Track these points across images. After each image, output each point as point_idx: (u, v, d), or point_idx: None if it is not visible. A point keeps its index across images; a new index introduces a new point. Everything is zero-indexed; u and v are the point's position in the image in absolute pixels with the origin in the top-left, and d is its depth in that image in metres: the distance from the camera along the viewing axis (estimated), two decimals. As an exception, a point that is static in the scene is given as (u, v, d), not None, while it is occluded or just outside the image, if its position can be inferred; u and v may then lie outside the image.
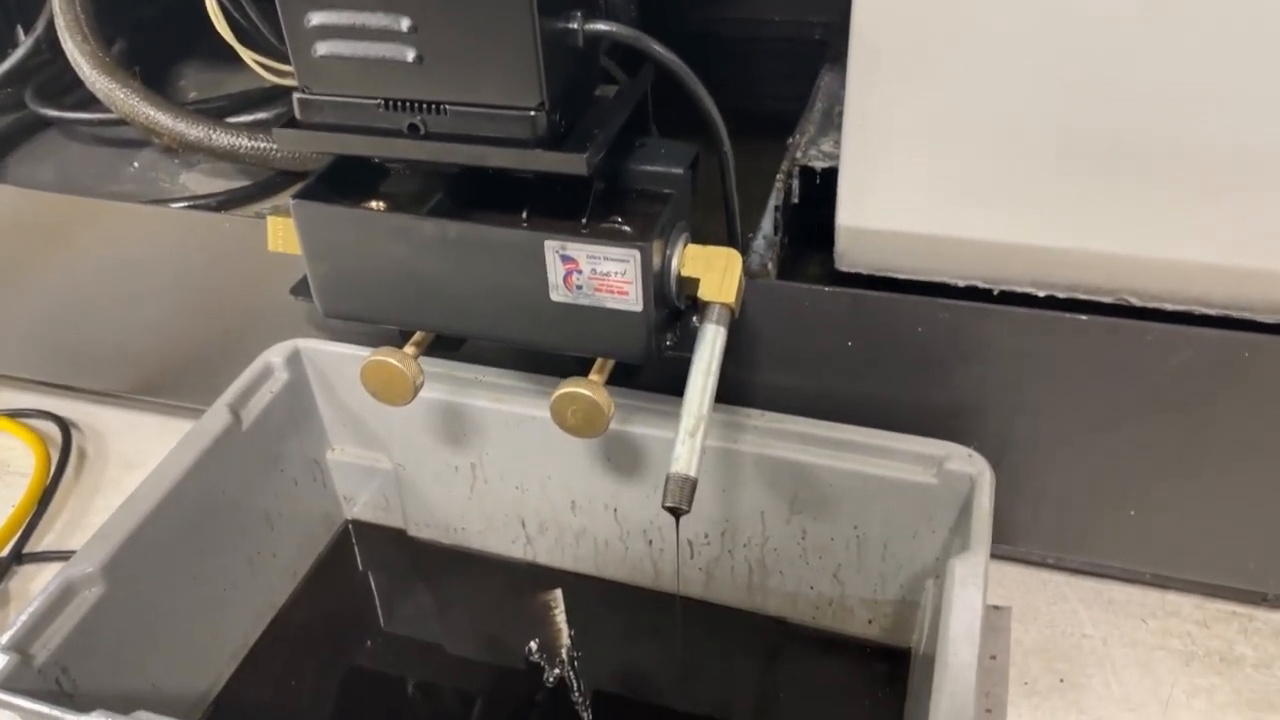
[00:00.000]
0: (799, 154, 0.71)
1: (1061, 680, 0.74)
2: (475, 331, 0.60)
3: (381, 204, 0.59)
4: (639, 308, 0.54)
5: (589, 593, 0.81)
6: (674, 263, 0.56)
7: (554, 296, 0.56)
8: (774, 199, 0.71)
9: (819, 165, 0.70)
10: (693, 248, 0.57)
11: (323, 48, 0.52)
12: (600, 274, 0.54)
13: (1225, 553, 0.73)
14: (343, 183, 0.59)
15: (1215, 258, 0.59)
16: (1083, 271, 0.62)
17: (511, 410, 0.74)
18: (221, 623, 0.75)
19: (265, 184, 0.86)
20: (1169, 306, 0.62)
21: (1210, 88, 0.54)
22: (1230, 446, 0.66)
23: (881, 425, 0.68)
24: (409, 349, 0.64)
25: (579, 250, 0.53)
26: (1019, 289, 0.64)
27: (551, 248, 0.54)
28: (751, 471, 0.70)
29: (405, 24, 0.50)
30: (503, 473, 0.78)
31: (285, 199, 0.85)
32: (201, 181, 0.88)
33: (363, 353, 0.77)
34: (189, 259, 0.82)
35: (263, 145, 0.81)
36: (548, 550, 0.82)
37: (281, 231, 0.62)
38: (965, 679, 0.54)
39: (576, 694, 0.73)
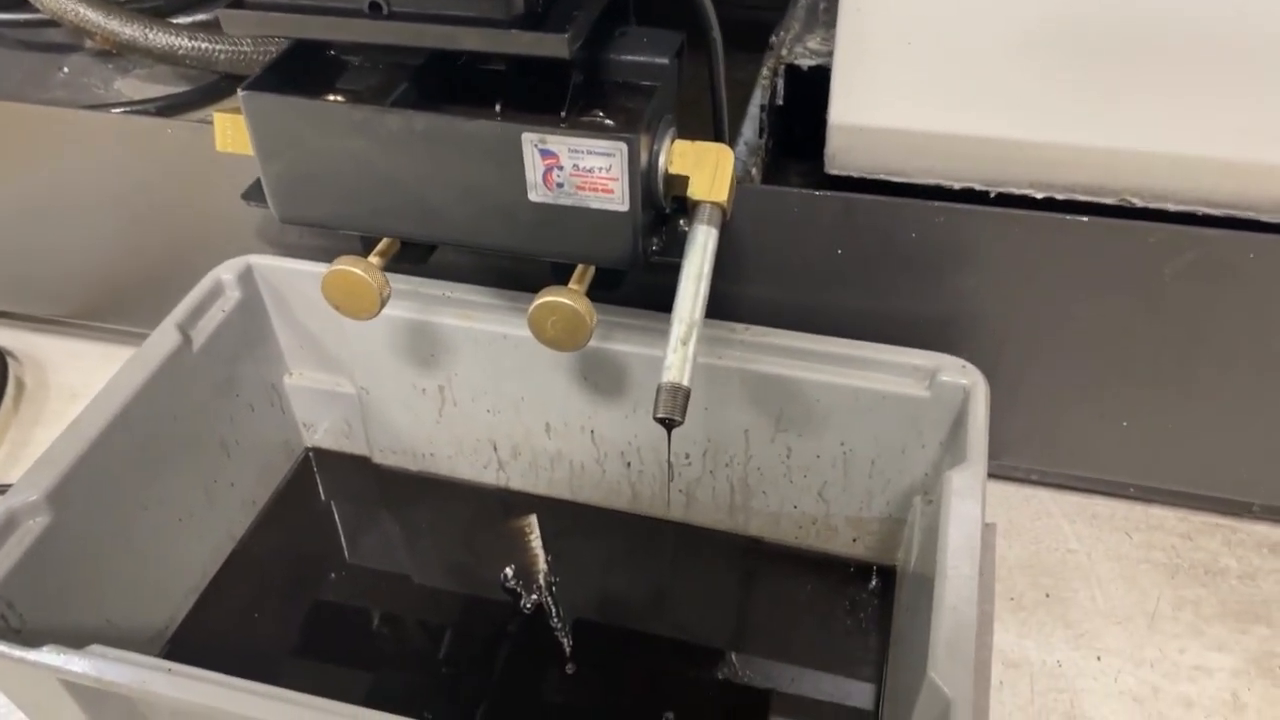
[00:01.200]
0: (784, 51, 0.67)
1: (1047, 595, 0.73)
2: (445, 237, 0.56)
3: (340, 98, 0.54)
4: (625, 207, 0.51)
5: (564, 518, 0.78)
6: (661, 159, 0.52)
7: (532, 196, 0.51)
8: (758, 99, 0.67)
9: (805, 63, 0.66)
10: (681, 143, 0.53)
11: (273, -86, 0.47)
12: (583, 170, 0.50)
13: (1213, 463, 0.72)
14: (297, 74, 0.54)
15: (1224, 152, 0.57)
16: (1085, 170, 0.59)
17: (482, 328, 0.70)
18: (178, 555, 0.71)
19: (208, 89, 0.80)
20: (1172, 207, 0.60)
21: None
22: (1227, 353, 0.64)
23: (870, 338, 0.65)
24: (373, 258, 0.59)
25: (560, 143, 0.49)
26: (1017, 190, 0.61)
27: (530, 141, 0.49)
28: (736, 388, 0.67)
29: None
30: (473, 395, 0.75)
31: (231, 106, 0.80)
32: (138, 87, 0.82)
33: (320, 269, 0.73)
34: (129, 170, 0.76)
35: (205, 45, 0.75)
36: (521, 475, 0.79)
37: (231, 129, 0.56)
38: (966, 593, 0.52)
39: (555, 620, 0.71)
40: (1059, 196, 0.61)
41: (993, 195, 0.62)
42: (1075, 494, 0.79)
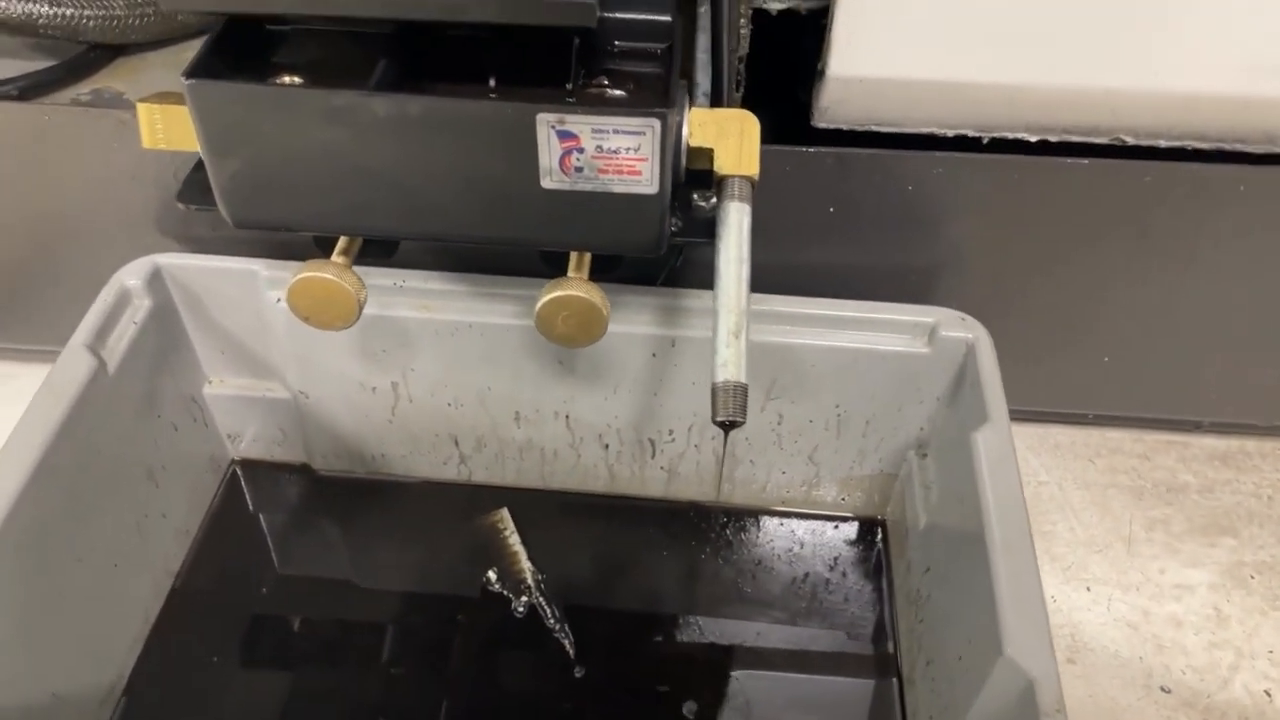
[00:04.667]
0: (754, -5, 0.62)
1: (1028, 531, 0.73)
2: (440, 233, 0.49)
3: (300, 81, 0.46)
4: (654, 189, 0.45)
5: (538, 507, 0.73)
6: (684, 132, 0.47)
7: (546, 183, 0.45)
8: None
9: (775, 7, 0.62)
10: (698, 112, 0.48)
11: None
12: (607, 151, 0.44)
13: (1173, 388, 0.74)
14: (242, 55, 0.46)
15: (1219, 87, 0.56)
16: (1080, 111, 0.58)
17: (443, 318, 0.64)
18: (117, 603, 0.63)
19: (75, 64, 0.68)
20: (1163, 143, 0.59)
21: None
22: (1206, 284, 0.65)
23: (859, 294, 0.62)
24: (338, 259, 0.52)
25: (581, 124, 0.43)
26: (1011, 135, 0.59)
27: (545, 122, 0.43)
28: (726, 359, 0.64)
29: None
30: (432, 390, 0.68)
31: (105, 81, 0.69)
32: (-14, 65, 0.69)
33: (240, 264, 0.65)
34: (-8, 165, 0.65)
35: (69, 12, 0.64)
36: (485, 467, 0.73)
37: (161, 122, 0.47)
38: (1026, 563, 0.51)
39: (552, 620, 0.66)
40: (1053, 139, 0.59)
41: (985, 141, 0.60)
42: (1033, 425, 0.80)
